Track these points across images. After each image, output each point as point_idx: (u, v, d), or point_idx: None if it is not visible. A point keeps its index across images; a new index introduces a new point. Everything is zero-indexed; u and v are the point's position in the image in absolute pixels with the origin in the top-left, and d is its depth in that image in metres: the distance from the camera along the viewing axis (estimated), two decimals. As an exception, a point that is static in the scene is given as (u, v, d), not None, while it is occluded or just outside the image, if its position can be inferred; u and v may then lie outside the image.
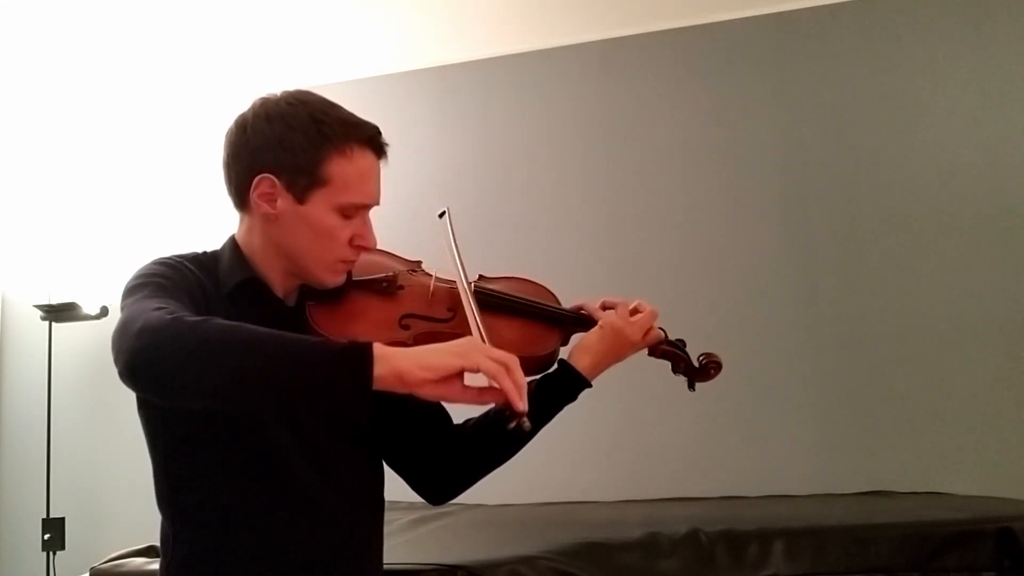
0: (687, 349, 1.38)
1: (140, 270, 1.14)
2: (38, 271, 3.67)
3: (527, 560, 1.66)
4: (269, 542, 1.13)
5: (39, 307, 3.49)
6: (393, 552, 1.41)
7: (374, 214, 1.23)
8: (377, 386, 0.92)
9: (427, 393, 0.94)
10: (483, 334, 1.12)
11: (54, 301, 3.49)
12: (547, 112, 3.40)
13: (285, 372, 0.92)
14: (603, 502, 2.83)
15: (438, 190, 3.11)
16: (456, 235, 1.31)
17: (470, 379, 0.97)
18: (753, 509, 2.41)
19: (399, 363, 0.93)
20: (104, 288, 3.51)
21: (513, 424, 0.96)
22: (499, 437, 1.29)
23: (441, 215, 1.36)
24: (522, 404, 0.95)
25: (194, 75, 3.58)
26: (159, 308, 0.98)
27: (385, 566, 1.30)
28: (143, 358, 0.93)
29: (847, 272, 3.01)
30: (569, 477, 2.98)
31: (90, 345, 3.62)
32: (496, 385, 0.95)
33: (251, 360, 0.91)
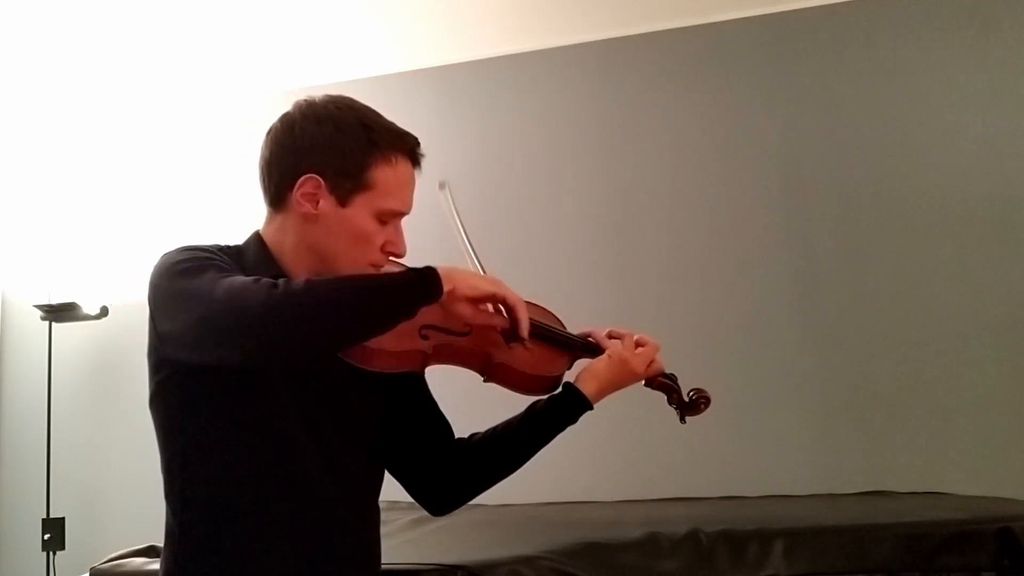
0: (679, 383, 1.45)
1: (182, 255, 1.11)
2: (38, 271, 3.67)
3: (527, 560, 1.66)
4: (277, 539, 1.14)
5: (39, 307, 3.49)
6: (393, 552, 1.42)
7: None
8: (443, 299, 1.10)
9: (460, 308, 1.13)
10: None
11: (54, 301, 3.49)
12: (546, 112, 3.40)
13: (389, 300, 1.07)
14: (603, 502, 2.83)
15: (437, 190, 3.10)
16: (456, 204, 1.39)
17: None
18: (753, 509, 2.41)
19: (456, 282, 1.11)
20: (104, 288, 3.51)
21: (516, 341, 1.20)
22: (503, 450, 1.33)
23: (441, 186, 1.40)
24: (526, 330, 1.18)
25: (194, 75, 3.58)
26: (255, 281, 1.02)
27: (385, 566, 1.31)
28: (275, 330, 1.00)
29: (847, 272, 3.01)
30: (569, 477, 2.98)
31: (90, 345, 3.63)
32: (514, 313, 1.18)
33: (355, 301, 1.05)
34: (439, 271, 1.09)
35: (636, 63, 3.33)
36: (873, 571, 1.75)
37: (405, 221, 1.23)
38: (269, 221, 1.23)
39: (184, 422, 1.15)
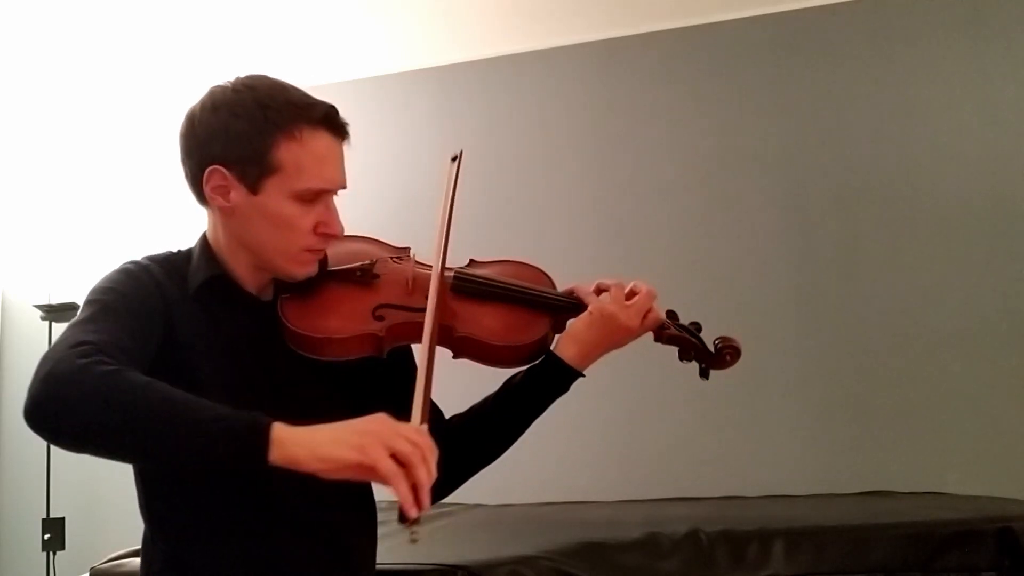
0: (702, 334, 1.27)
1: (102, 280, 1.10)
2: (38, 271, 3.67)
3: (527, 560, 1.65)
4: (246, 553, 1.10)
5: (39, 307, 3.49)
6: (393, 552, 1.41)
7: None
8: (271, 466, 0.89)
9: (322, 476, 0.90)
10: (429, 359, 1.02)
11: (54, 301, 3.49)
12: (546, 112, 3.40)
13: (178, 443, 0.91)
14: (603, 502, 2.83)
15: (436, 191, 3.10)
16: (457, 186, 1.25)
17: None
18: (753, 509, 2.41)
19: (294, 452, 0.88)
20: (104, 288, 3.51)
21: (402, 525, 0.89)
22: (482, 434, 1.23)
23: (454, 159, 1.28)
24: (411, 512, 0.86)
25: (194, 76, 3.58)
26: (77, 345, 0.95)
27: (385, 566, 1.29)
28: (41, 409, 0.93)
29: (846, 272, 3.01)
30: (569, 477, 2.98)
31: (90, 345, 3.62)
32: (396, 492, 0.87)
33: (148, 427, 0.90)
34: (272, 433, 0.88)
35: (636, 63, 3.33)
36: (873, 571, 1.75)
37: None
38: (208, 219, 1.20)
39: None
